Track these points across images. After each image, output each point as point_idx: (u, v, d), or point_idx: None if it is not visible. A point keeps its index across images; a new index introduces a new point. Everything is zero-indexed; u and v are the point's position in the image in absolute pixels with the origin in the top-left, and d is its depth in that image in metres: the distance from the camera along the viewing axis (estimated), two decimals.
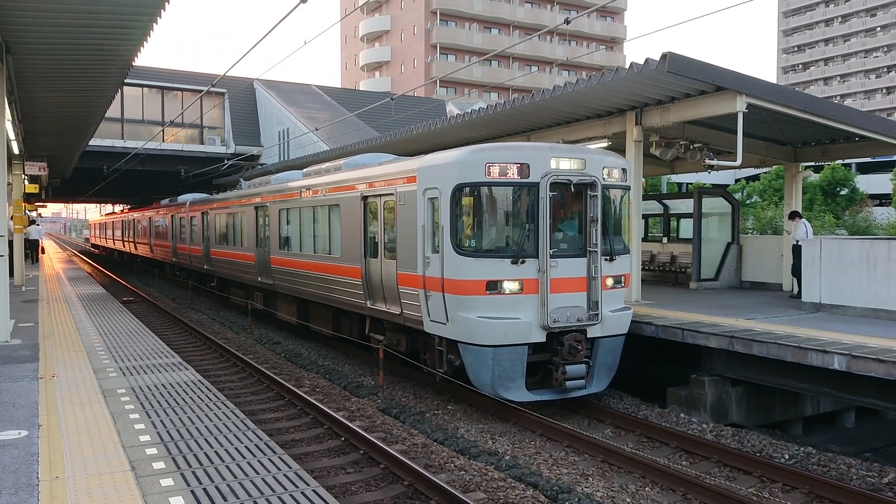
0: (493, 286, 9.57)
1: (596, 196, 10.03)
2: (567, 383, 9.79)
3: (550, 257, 9.71)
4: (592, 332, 10.10)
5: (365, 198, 12.33)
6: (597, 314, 10.04)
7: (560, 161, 9.89)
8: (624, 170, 10.64)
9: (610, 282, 10.35)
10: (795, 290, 14.21)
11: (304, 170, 16.72)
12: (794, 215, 15.43)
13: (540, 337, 9.76)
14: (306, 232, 15.40)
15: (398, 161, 12.29)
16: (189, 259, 26.80)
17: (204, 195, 27.74)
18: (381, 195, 11.76)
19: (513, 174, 9.66)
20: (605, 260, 10.19)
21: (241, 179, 24.75)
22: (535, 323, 9.70)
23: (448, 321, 9.87)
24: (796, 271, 14.44)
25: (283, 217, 16.68)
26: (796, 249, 14.30)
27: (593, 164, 10.15)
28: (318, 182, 14.63)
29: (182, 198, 28.82)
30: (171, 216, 29.18)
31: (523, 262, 9.63)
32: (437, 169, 10.20)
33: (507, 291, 9.60)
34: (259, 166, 35.09)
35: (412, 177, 10.70)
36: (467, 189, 9.72)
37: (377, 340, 12.32)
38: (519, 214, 10.00)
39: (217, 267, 23.01)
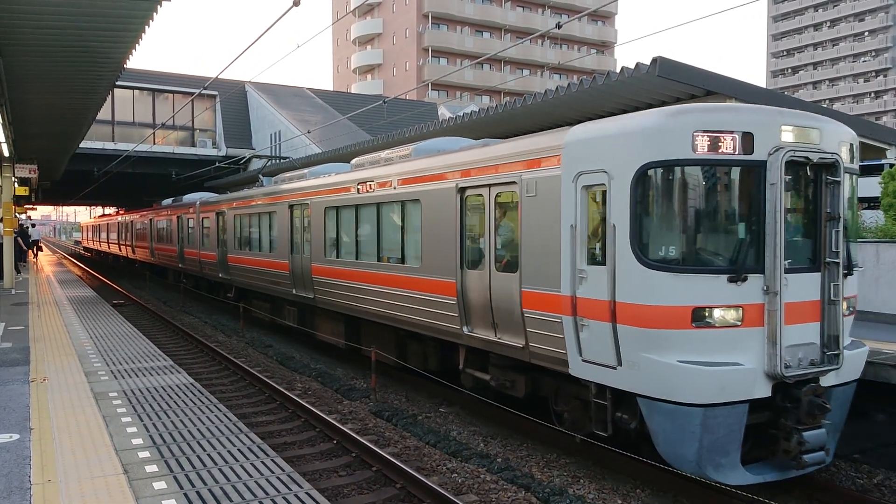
0: (702, 316, 6.62)
1: (837, 183, 7.10)
2: (804, 457, 6.78)
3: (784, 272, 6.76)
4: (826, 381, 7.13)
5: (462, 189, 9.56)
6: (837, 354, 7.06)
7: (793, 131, 6.97)
8: (852, 146, 7.71)
9: (844, 307, 7.29)
10: None
11: (353, 160, 13.92)
12: None
13: (765, 390, 6.77)
14: (366, 235, 12.51)
15: (504, 143, 9.31)
16: (199, 266, 23.80)
17: (214, 194, 25.44)
18: (491, 185, 9.00)
19: (728, 148, 6.67)
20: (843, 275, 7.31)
21: (261, 175, 22.76)
22: (759, 370, 6.72)
23: (622, 364, 6.97)
24: None
25: (331, 217, 13.68)
26: None
27: (829, 137, 7.23)
28: (384, 173, 11.76)
29: (189, 197, 26.55)
30: (178, 217, 26.31)
31: (745, 279, 6.68)
32: (606, 142, 7.26)
33: (721, 323, 6.65)
34: (263, 161, 34.20)
35: (551, 157, 7.93)
36: (661, 171, 6.78)
37: (478, 379, 9.75)
38: (737, 209, 7.04)
39: (236, 276, 19.87)
